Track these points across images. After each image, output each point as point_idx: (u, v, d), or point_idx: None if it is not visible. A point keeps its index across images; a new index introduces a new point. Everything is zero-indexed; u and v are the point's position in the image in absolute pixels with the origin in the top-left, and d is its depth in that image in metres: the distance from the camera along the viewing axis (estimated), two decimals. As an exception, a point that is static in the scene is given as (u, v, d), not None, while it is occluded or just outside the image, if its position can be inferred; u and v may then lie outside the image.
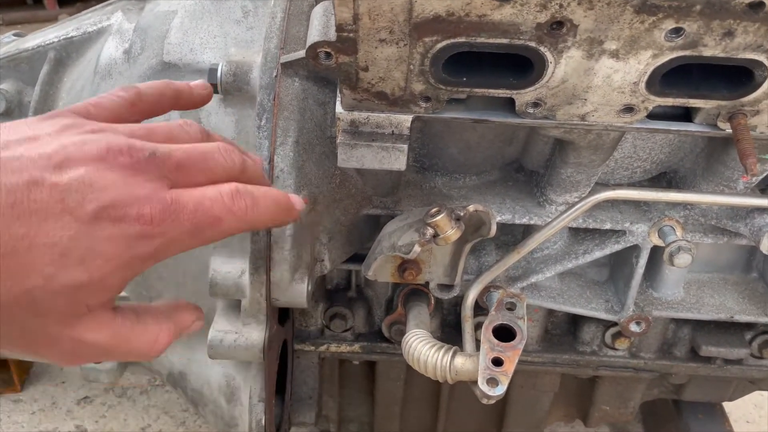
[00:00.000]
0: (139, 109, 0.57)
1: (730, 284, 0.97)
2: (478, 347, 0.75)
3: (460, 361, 0.73)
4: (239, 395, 0.85)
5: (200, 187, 0.49)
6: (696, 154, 0.82)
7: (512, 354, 0.66)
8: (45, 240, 0.42)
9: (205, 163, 0.50)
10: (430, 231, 0.74)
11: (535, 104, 0.66)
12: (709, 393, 1.10)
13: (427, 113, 0.68)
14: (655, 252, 0.88)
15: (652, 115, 0.68)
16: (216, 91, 0.78)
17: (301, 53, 0.74)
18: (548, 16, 0.56)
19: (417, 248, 0.74)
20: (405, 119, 0.69)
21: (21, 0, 4.50)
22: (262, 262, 0.77)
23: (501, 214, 0.85)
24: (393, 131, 0.70)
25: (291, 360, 1.01)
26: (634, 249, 0.88)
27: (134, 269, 0.46)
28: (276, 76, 0.76)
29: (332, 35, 0.60)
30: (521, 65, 0.63)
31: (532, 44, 0.59)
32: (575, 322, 1.03)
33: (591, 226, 0.86)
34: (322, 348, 1.02)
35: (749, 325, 0.99)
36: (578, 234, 0.91)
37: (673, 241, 0.80)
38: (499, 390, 0.64)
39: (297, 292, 0.79)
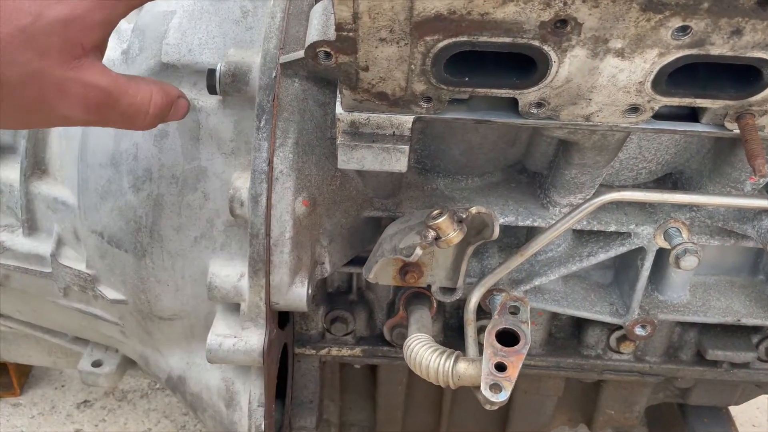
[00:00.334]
0: None
1: (736, 287, 0.96)
2: (481, 351, 0.74)
3: (462, 366, 0.71)
4: (239, 400, 0.84)
5: None
6: (702, 155, 0.80)
7: (516, 359, 0.65)
8: None
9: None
10: (431, 233, 0.72)
11: (539, 104, 0.65)
12: (715, 397, 1.09)
13: (429, 114, 0.67)
14: (661, 254, 0.87)
15: (658, 115, 0.67)
16: (215, 92, 0.77)
17: (301, 53, 0.73)
18: (552, 14, 0.54)
19: (419, 251, 0.73)
20: (406, 120, 0.68)
21: None
22: (261, 265, 0.76)
23: (504, 216, 0.84)
24: (394, 132, 0.68)
25: (291, 364, 1.00)
26: (640, 251, 0.86)
27: (110, 8, 0.53)
28: (275, 77, 0.75)
29: (332, 34, 0.59)
30: (524, 65, 0.61)
31: (536, 43, 0.57)
32: (579, 325, 1.02)
33: (596, 228, 0.85)
34: (323, 352, 1.01)
35: (756, 329, 0.98)
36: (582, 236, 0.90)
37: (680, 244, 0.78)
38: (503, 396, 0.63)
39: (297, 295, 0.78)
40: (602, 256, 0.87)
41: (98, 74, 0.54)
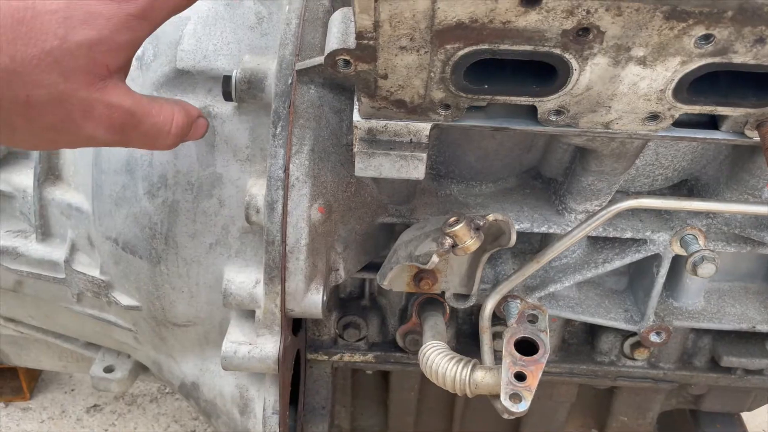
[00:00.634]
0: None
1: (751, 293, 0.95)
2: (497, 359, 0.74)
3: (480, 374, 0.71)
4: (253, 407, 0.84)
5: None
6: (719, 162, 0.80)
7: (535, 368, 0.65)
8: (44, 9, 0.49)
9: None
10: (448, 241, 0.72)
11: (558, 112, 0.65)
12: (728, 403, 1.08)
13: (447, 121, 0.67)
14: (676, 261, 0.86)
15: (677, 123, 0.66)
16: (230, 99, 0.77)
17: (317, 60, 0.73)
18: (575, 22, 0.54)
19: (435, 258, 0.73)
20: (424, 127, 0.67)
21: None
22: (276, 272, 0.75)
23: (519, 222, 0.84)
24: (411, 139, 0.68)
25: (304, 370, 0.99)
26: (655, 258, 0.86)
27: (134, 30, 0.53)
28: (291, 84, 0.75)
29: (351, 42, 0.59)
30: (544, 72, 0.61)
31: (557, 51, 0.57)
32: (593, 331, 1.01)
33: (611, 235, 0.84)
34: (335, 358, 1.00)
35: (769, 335, 0.97)
36: (597, 243, 0.90)
37: (697, 251, 0.78)
38: (523, 406, 0.62)
39: (312, 302, 0.77)
40: (617, 263, 0.86)
41: (122, 95, 0.55)
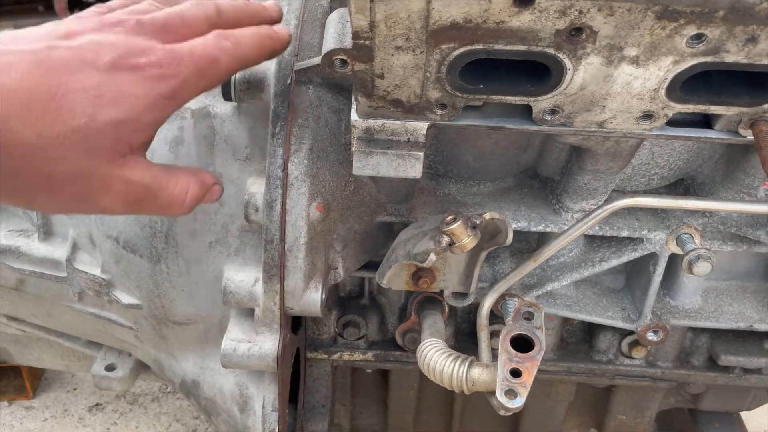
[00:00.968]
0: (218, 25, 0.61)
1: (749, 292, 0.95)
2: (494, 357, 0.75)
3: (477, 371, 0.72)
4: (252, 404, 0.85)
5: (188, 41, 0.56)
6: (715, 161, 0.81)
7: (531, 365, 0.65)
8: (77, 86, 0.49)
9: (184, 18, 0.57)
10: (446, 239, 0.73)
11: (553, 111, 0.65)
12: (726, 402, 1.08)
13: (443, 120, 0.68)
14: (673, 260, 0.87)
15: (672, 122, 0.67)
16: (230, 99, 0.78)
17: (316, 60, 0.74)
18: (567, 22, 0.55)
19: (433, 257, 0.73)
20: (421, 126, 0.68)
21: (32, 7, 4.56)
22: (275, 270, 0.76)
23: (516, 221, 0.85)
24: (409, 138, 0.69)
25: (304, 368, 1.00)
26: (652, 257, 0.86)
27: (162, 109, 0.54)
28: (290, 84, 0.75)
29: (348, 43, 0.60)
30: (539, 72, 0.62)
31: (551, 51, 0.58)
32: (591, 330, 1.02)
33: (608, 234, 0.85)
34: (335, 356, 1.01)
35: (767, 334, 0.98)
36: (594, 242, 0.90)
37: (692, 249, 0.79)
38: (518, 402, 0.63)
39: (311, 300, 0.78)
40: (614, 262, 0.87)
41: (141, 171, 0.55)
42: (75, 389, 1.63)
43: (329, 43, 0.62)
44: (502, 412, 0.65)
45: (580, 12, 0.54)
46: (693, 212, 0.85)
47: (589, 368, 1.00)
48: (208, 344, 0.88)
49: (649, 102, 0.63)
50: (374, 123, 0.68)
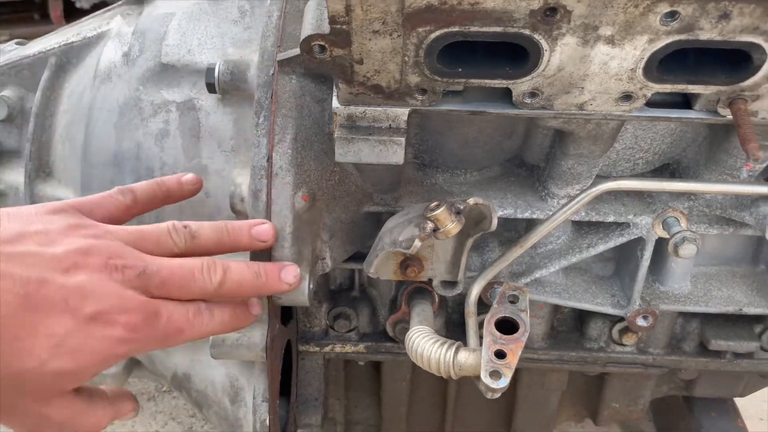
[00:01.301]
0: (133, 213, 0.67)
1: (738, 277, 0.96)
2: (482, 343, 0.75)
3: (463, 355, 0.72)
4: (243, 396, 0.85)
5: (175, 301, 0.59)
6: (698, 144, 0.81)
7: (515, 346, 0.66)
8: (46, 331, 0.51)
9: (185, 282, 0.59)
10: (430, 225, 0.73)
11: (532, 94, 0.66)
12: (719, 388, 1.08)
13: (424, 106, 0.68)
14: (661, 245, 0.87)
15: (651, 103, 0.67)
16: (214, 91, 0.78)
17: (298, 51, 0.74)
18: (541, 2, 0.55)
19: (417, 243, 0.74)
20: (402, 112, 0.69)
21: (28, 16, 4.57)
22: (262, 260, 0.76)
23: (502, 208, 0.85)
24: (390, 125, 0.69)
25: (296, 361, 1.00)
26: (639, 242, 0.87)
27: (109, 363, 0.56)
28: (273, 74, 0.76)
29: (326, 28, 0.60)
30: (517, 55, 0.62)
31: (527, 32, 0.58)
32: (582, 318, 1.02)
33: (594, 219, 0.85)
34: (327, 349, 1.01)
35: (758, 318, 0.98)
36: (582, 228, 0.91)
37: (678, 232, 0.79)
38: (503, 383, 0.63)
39: (299, 290, 0.78)
40: (602, 247, 0.87)
41: (62, 410, 0.56)
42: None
43: (307, 29, 0.63)
44: (489, 395, 0.66)
45: (557, -9, 0.54)
46: (679, 196, 0.85)
47: (581, 356, 1.00)
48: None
49: (627, 82, 0.63)
50: (356, 110, 0.69)
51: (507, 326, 0.70)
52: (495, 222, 0.76)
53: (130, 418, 0.67)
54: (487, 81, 0.64)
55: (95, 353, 0.53)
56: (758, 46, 0.59)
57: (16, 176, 0.94)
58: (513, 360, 0.64)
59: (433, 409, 1.16)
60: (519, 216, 0.85)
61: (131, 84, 0.84)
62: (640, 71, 0.62)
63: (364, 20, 0.58)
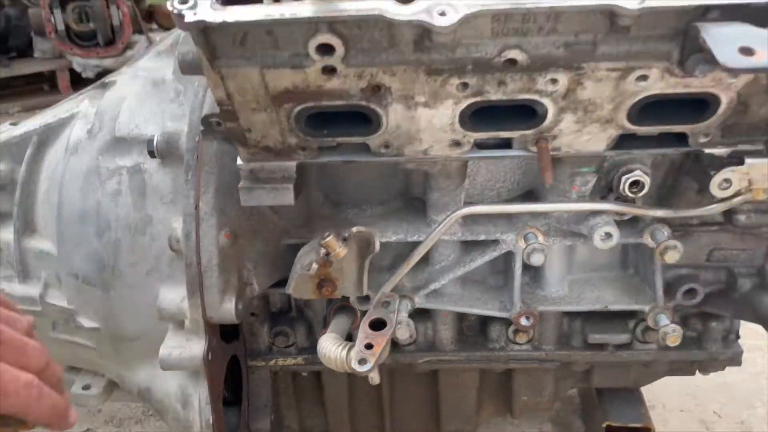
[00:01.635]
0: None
1: (609, 280, 1.14)
2: (372, 342, 0.93)
3: (353, 353, 0.91)
4: (192, 401, 1.04)
5: (8, 365, 0.57)
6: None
7: (381, 339, 0.84)
8: None
9: (19, 351, 0.58)
10: (323, 251, 0.93)
11: (386, 146, 0.86)
12: (612, 379, 1.25)
13: (308, 159, 0.89)
14: (533, 256, 1.06)
15: (480, 145, 0.87)
16: (154, 156, 1.00)
17: (215, 121, 0.96)
18: (366, 83, 0.76)
19: (315, 265, 0.93)
20: (291, 165, 0.89)
21: (38, 87, 4.90)
22: (196, 287, 0.96)
23: (396, 234, 1.04)
24: (283, 175, 0.90)
25: (246, 374, 1.19)
26: (511, 255, 1.06)
27: None
28: (198, 141, 0.97)
29: (217, 108, 0.81)
30: (368, 118, 0.83)
31: (363, 103, 0.79)
32: (484, 323, 1.20)
33: (469, 238, 1.05)
34: (272, 363, 1.20)
35: (632, 315, 1.16)
36: (467, 246, 1.10)
37: (529, 244, 0.98)
38: (367, 366, 0.82)
39: (227, 310, 0.98)
40: (479, 261, 1.06)
41: None
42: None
43: (205, 109, 0.84)
44: (360, 376, 0.84)
45: (372, 75, 0.75)
46: (537, 216, 1.04)
47: (485, 355, 1.18)
48: (155, 355, 1.08)
49: (451, 133, 0.84)
50: (255, 165, 0.89)
51: (380, 325, 0.89)
52: (377, 245, 0.95)
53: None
54: (347, 139, 0.85)
55: None
56: (537, 101, 0.79)
57: (8, 234, 1.15)
58: (378, 349, 0.83)
59: (372, 412, 1.34)
60: (409, 239, 1.04)
61: (92, 154, 1.05)
62: (457, 124, 0.82)
63: (242, 102, 0.79)
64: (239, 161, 0.89)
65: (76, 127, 1.12)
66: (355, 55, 0.73)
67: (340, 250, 0.92)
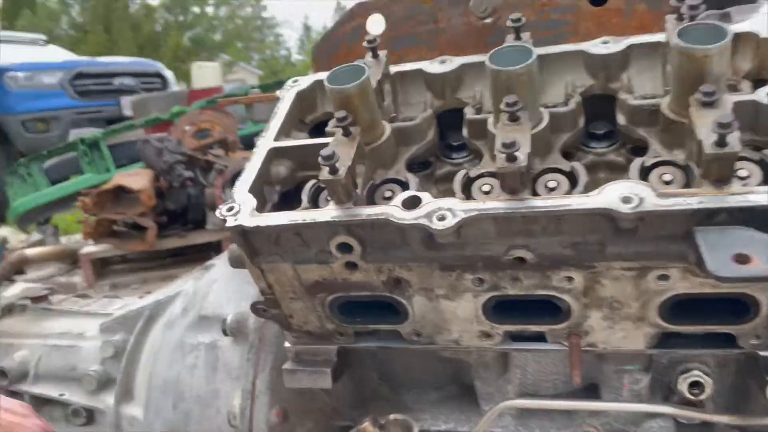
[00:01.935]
0: None
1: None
2: None
3: None
4: None
5: None
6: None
7: None
8: None
9: None
10: (360, 437, 0.94)
11: (417, 334, 0.89)
12: None
13: (347, 344, 0.93)
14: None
15: (518, 337, 0.87)
16: (226, 335, 1.10)
17: (276, 305, 1.05)
18: (386, 276, 0.81)
19: (352, 452, 0.94)
20: (332, 349, 0.94)
21: (207, 255, 5.56)
22: None
23: (446, 423, 1.03)
24: (325, 358, 0.95)
25: None
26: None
27: None
28: (264, 322, 1.06)
29: (261, 297, 0.91)
30: (401, 306, 0.87)
31: (387, 294, 0.84)
32: None
33: (523, 433, 0.99)
34: None
35: None
36: (526, 441, 1.04)
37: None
38: None
39: (272, 490, 1.00)
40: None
41: None
42: None
43: (253, 298, 0.93)
44: None
45: (390, 270, 0.81)
46: (596, 412, 0.97)
47: None
48: None
49: (478, 324, 0.85)
50: (300, 348, 0.95)
51: None
52: (417, 434, 0.94)
53: None
54: (379, 326, 0.89)
55: None
56: (557, 297, 0.78)
57: (111, 399, 1.30)
58: None
59: None
60: (459, 429, 1.02)
61: (182, 330, 1.19)
62: (482, 316, 0.83)
63: (281, 291, 0.87)
64: (286, 344, 0.96)
65: (176, 305, 1.28)
66: (371, 252, 0.79)
67: (376, 437, 0.93)
